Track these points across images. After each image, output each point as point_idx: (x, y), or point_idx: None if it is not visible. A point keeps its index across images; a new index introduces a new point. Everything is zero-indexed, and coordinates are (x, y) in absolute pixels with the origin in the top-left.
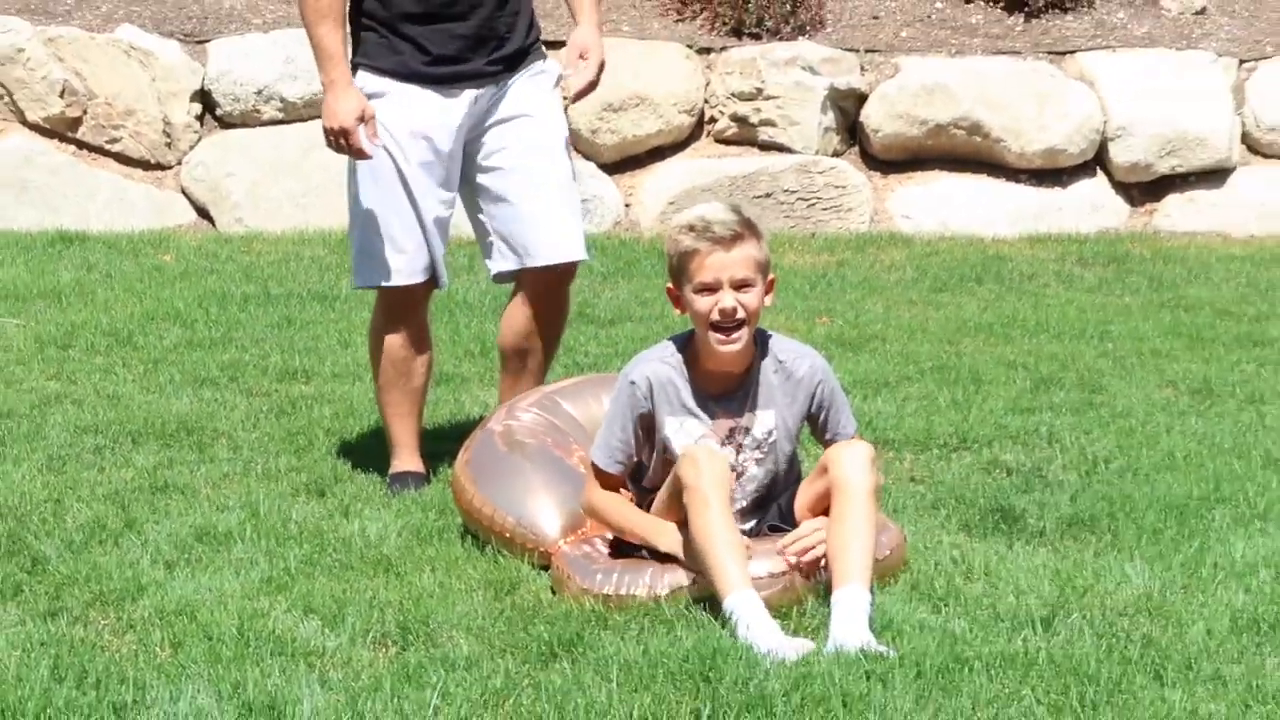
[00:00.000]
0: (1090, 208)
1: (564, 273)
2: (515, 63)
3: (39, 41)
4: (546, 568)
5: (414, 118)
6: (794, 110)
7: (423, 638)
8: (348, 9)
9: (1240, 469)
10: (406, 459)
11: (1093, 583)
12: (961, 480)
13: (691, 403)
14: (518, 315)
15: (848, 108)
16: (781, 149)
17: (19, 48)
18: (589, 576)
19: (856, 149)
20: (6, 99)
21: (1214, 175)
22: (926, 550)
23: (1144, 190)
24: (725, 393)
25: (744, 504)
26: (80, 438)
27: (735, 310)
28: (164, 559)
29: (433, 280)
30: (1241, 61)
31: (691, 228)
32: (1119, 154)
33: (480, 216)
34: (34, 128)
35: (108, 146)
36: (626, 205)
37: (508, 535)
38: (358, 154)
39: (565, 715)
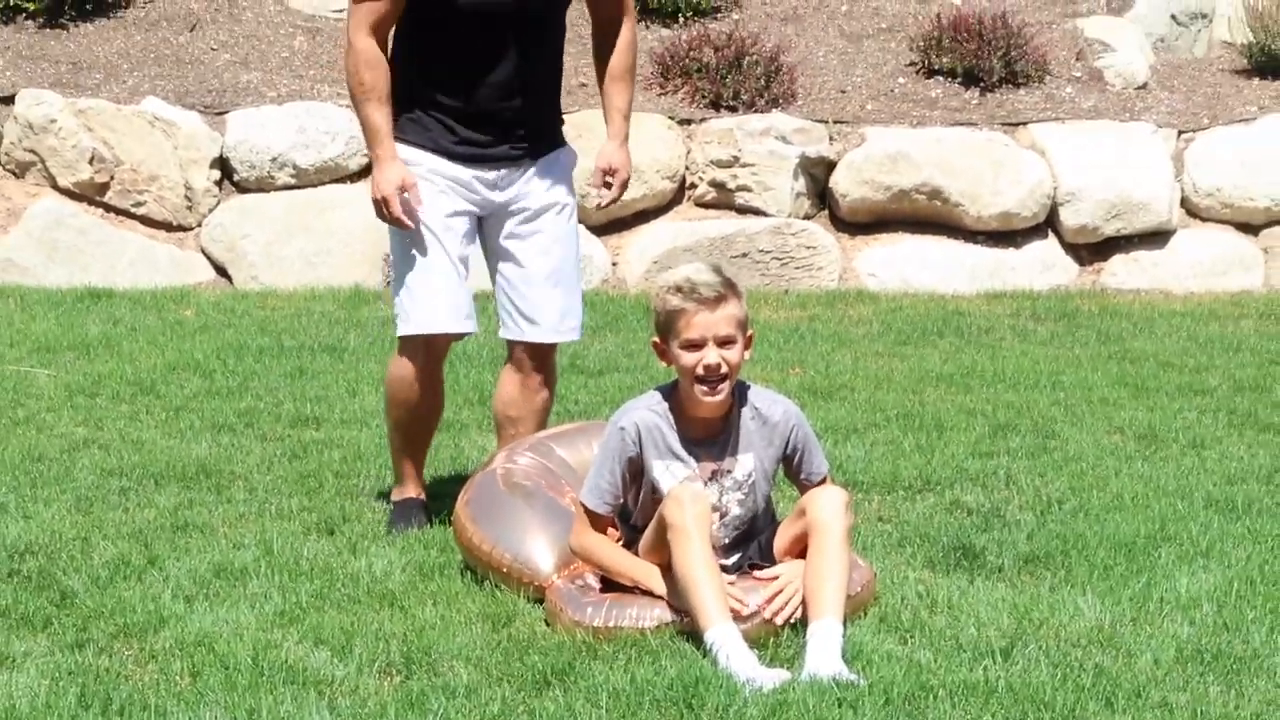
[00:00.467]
0: (1042, 267)
1: (546, 347)
2: (538, 151)
3: (70, 113)
4: (541, 601)
5: (440, 183)
6: (768, 177)
7: (425, 667)
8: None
9: (1184, 509)
10: (410, 487)
11: (1048, 616)
12: (925, 520)
13: (677, 447)
14: (506, 383)
15: (818, 174)
16: (757, 212)
17: (51, 118)
18: (580, 609)
19: (826, 212)
20: (40, 166)
21: (1156, 237)
22: (893, 585)
23: (1091, 251)
24: (708, 438)
25: (726, 540)
26: (106, 480)
27: (719, 366)
28: (184, 593)
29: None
30: (1180, 133)
31: (679, 288)
32: (1068, 217)
33: (495, 282)
34: (65, 192)
35: (133, 210)
36: (614, 264)
37: (505, 570)
38: (397, 221)
39: None
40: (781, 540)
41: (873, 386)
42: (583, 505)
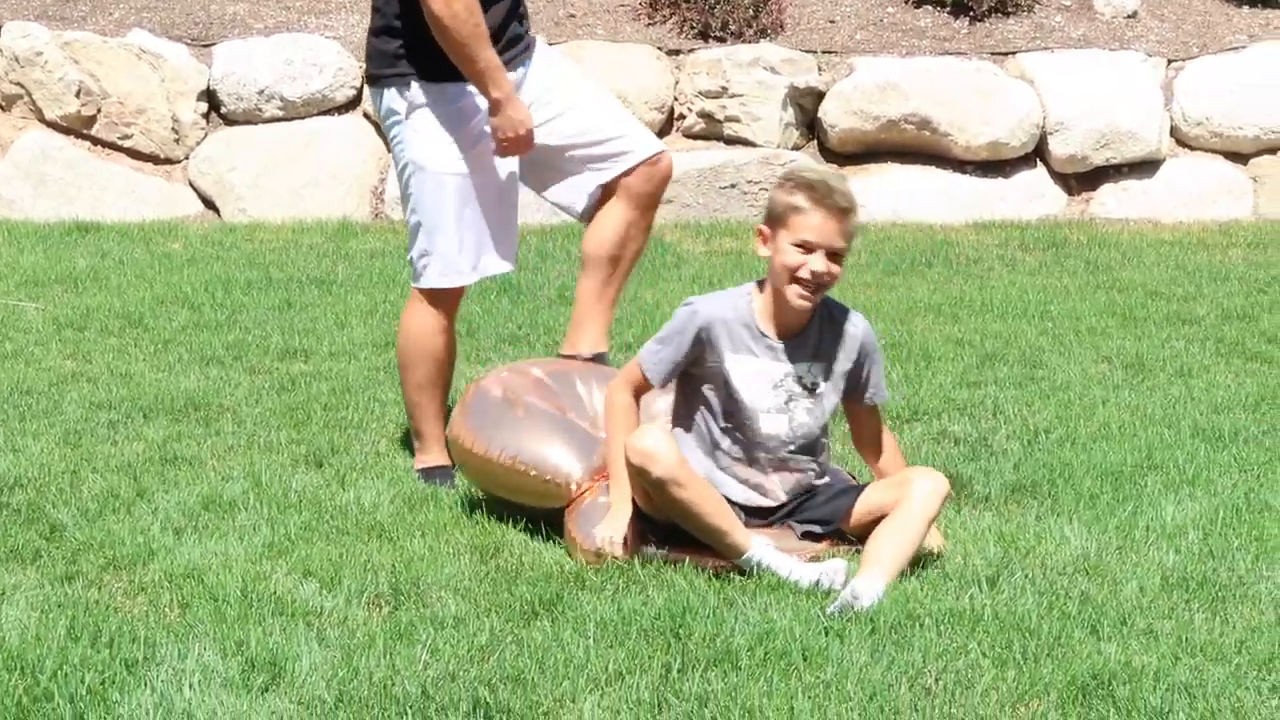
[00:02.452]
0: (1031, 196)
1: (663, 171)
2: (529, 43)
3: (56, 45)
4: (534, 528)
5: (466, 116)
6: (757, 107)
7: (413, 598)
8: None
9: (1170, 438)
10: (436, 452)
11: (1034, 544)
12: (913, 449)
13: (752, 344)
14: (611, 221)
15: (806, 105)
16: (745, 143)
17: (37, 51)
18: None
19: (815, 143)
20: (26, 99)
21: (1145, 166)
22: None
23: (1080, 180)
24: (784, 339)
25: (793, 447)
26: (95, 413)
27: (824, 275)
28: (173, 526)
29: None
30: (1170, 61)
31: (812, 188)
32: (1057, 147)
33: (565, 168)
34: (52, 125)
35: (120, 143)
36: None
37: (530, 476)
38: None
39: (546, 669)
40: (865, 507)
41: None
42: (638, 362)
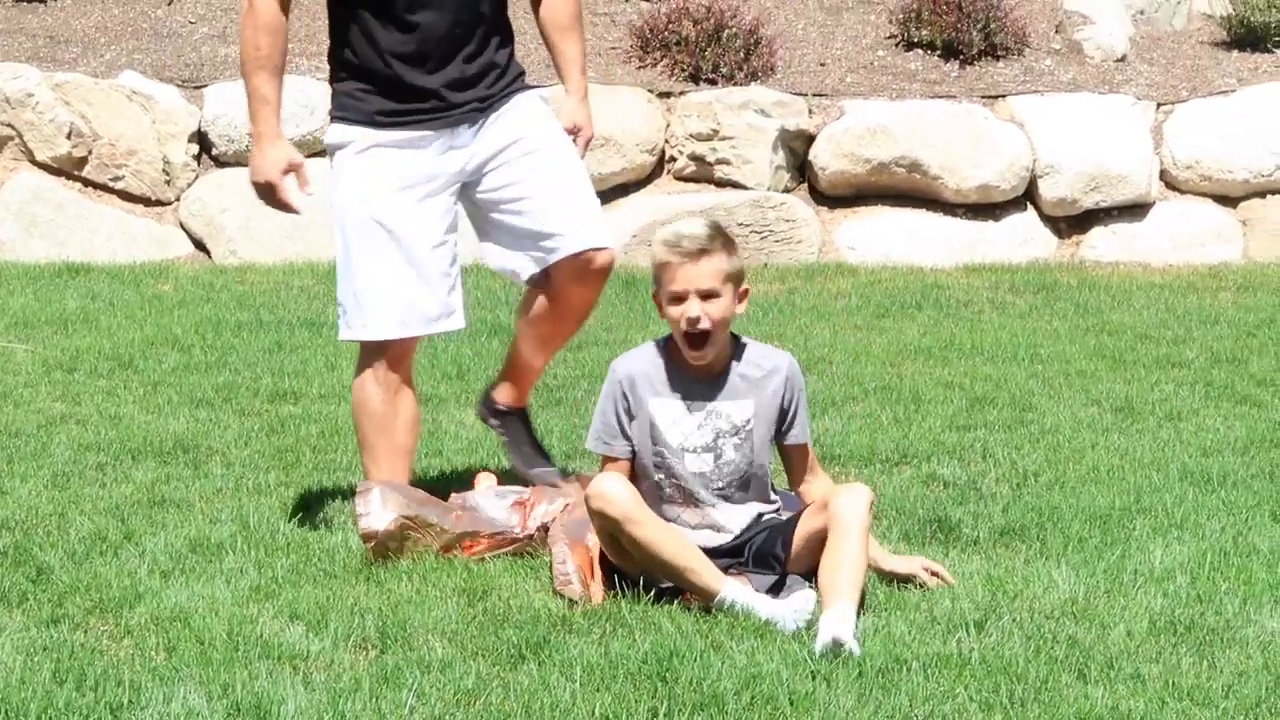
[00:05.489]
0: (1021, 240)
1: (593, 265)
2: (488, 101)
3: (47, 87)
4: (522, 572)
5: (396, 165)
6: (747, 150)
7: (400, 642)
8: (329, 60)
9: (1159, 481)
10: None
11: (1022, 588)
12: (902, 493)
13: (673, 387)
14: (542, 305)
15: (797, 147)
16: (736, 185)
17: (29, 92)
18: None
19: (805, 185)
20: (17, 140)
21: (1134, 209)
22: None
23: (1070, 223)
24: (705, 380)
25: (720, 484)
26: (83, 455)
27: (699, 319)
28: (160, 569)
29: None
30: (1159, 105)
31: (666, 241)
32: (1047, 190)
33: (505, 239)
34: (43, 166)
35: (111, 184)
36: None
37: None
38: (284, 207)
39: (532, 713)
40: (802, 533)
41: (851, 360)
42: (599, 454)
